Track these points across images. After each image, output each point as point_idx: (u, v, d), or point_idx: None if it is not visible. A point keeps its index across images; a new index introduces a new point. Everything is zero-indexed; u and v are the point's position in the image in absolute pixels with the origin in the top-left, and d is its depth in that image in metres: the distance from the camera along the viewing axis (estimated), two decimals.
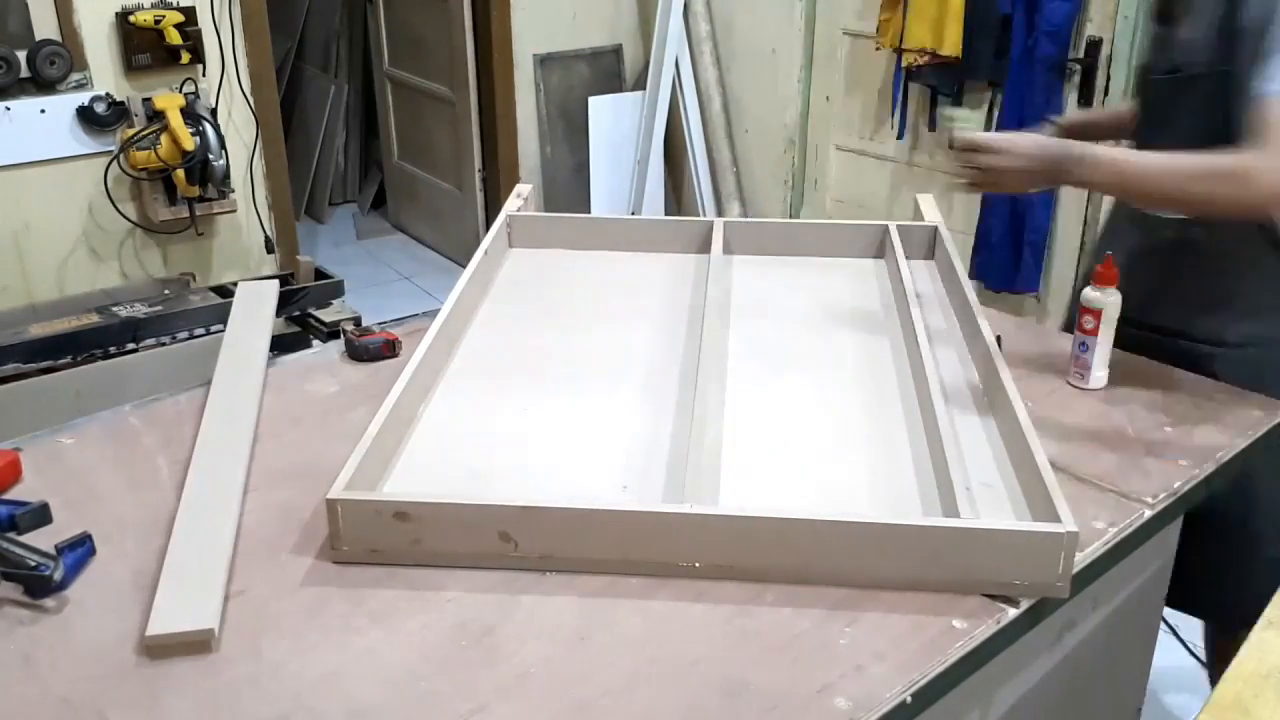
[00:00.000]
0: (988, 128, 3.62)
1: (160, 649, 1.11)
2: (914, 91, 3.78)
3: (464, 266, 1.90)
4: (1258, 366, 1.66)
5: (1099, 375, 1.63)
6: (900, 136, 3.88)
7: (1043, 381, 1.66)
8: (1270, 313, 1.67)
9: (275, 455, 1.47)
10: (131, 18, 3.25)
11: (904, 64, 3.67)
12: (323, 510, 1.24)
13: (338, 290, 3.26)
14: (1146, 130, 1.73)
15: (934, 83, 3.69)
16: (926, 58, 3.56)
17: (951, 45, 3.48)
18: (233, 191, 3.47)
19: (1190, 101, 1.62)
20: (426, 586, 1.21)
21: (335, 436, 1.49)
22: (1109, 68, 3.29)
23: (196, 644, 1.12)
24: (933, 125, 3.81)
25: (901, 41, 3.59)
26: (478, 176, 4.63)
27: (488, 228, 2.13)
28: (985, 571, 1.19)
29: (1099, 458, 1.46)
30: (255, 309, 1.87)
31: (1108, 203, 1.70)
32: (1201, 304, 1.70)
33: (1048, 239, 3.58)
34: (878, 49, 3.73)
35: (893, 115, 3.86)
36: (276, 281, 2.01)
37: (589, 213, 4.43)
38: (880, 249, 2.07)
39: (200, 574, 1.20)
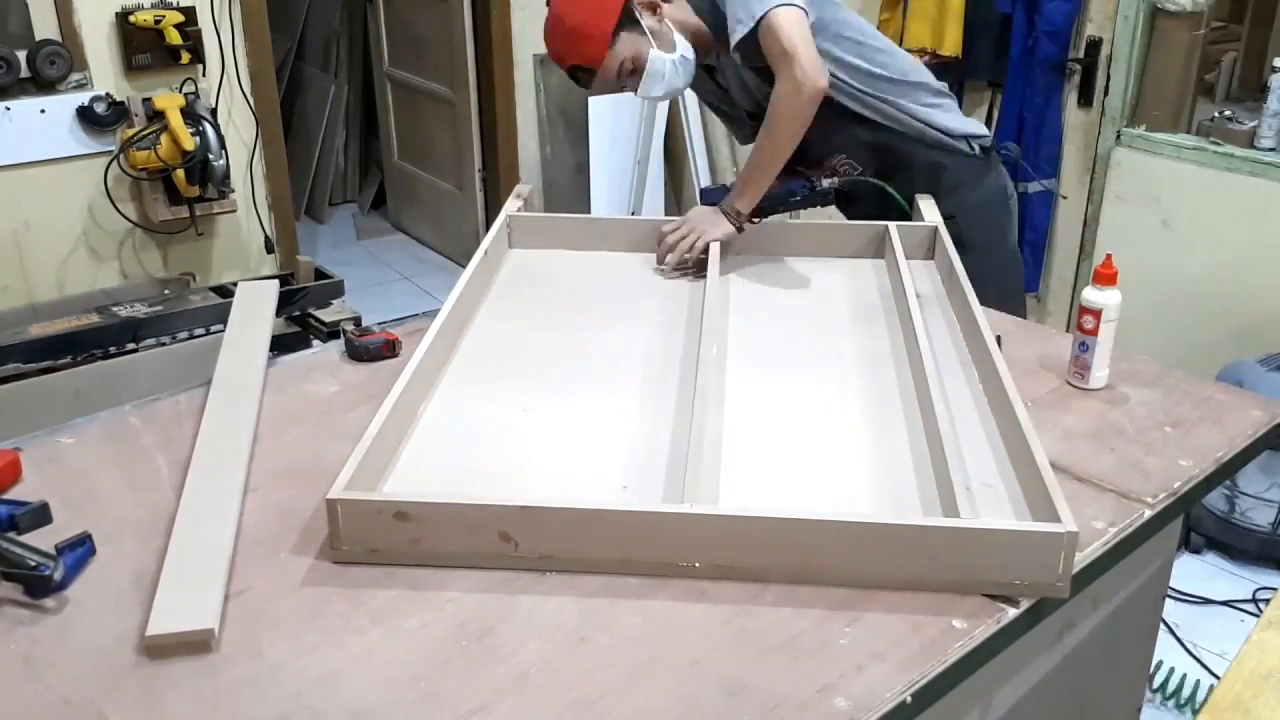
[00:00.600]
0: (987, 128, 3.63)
1: (160, 649, 1.11)
2: None
3: (464, 266, 1.90)
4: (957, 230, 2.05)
5: (1099, 375, 1.63)
6: None
7: (1043, 381, 1.66)
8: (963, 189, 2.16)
9: (275, 455, 1.47)
10: (131, 18, 3.25)
11: None
12: (323, 510, 1.24)
13: (338, 290, 3.26)
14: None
15: None
16: (926, 57, 3.56)
17: (951, 45, 3.49)
18: (233, 191, 3.47)
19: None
20: (426, 586, 1.21)
21: (335, 436, 1.49)
22: (1109, 68, 3.30)
23: (196, 644, 1.11)
24: None
25: (901, 41, 3.59)
26: (478, 176, 4.64)
27: (488, 228, 2.13)
28: (985, 571, 1.19)
29: (1099, 458, 1.46)
30: (255, 309, 1.87)
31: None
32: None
33: (1048, 239, 3.58)
34: None
35: None
36: (276, 281, 2.01)
37: (589, 213, 4.43)
38: (880, 249, 2.07)
39: (200, 574, 1.20)
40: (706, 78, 2.17)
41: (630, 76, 2.02)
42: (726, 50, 2.00)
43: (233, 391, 1.60)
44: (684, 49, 2.02)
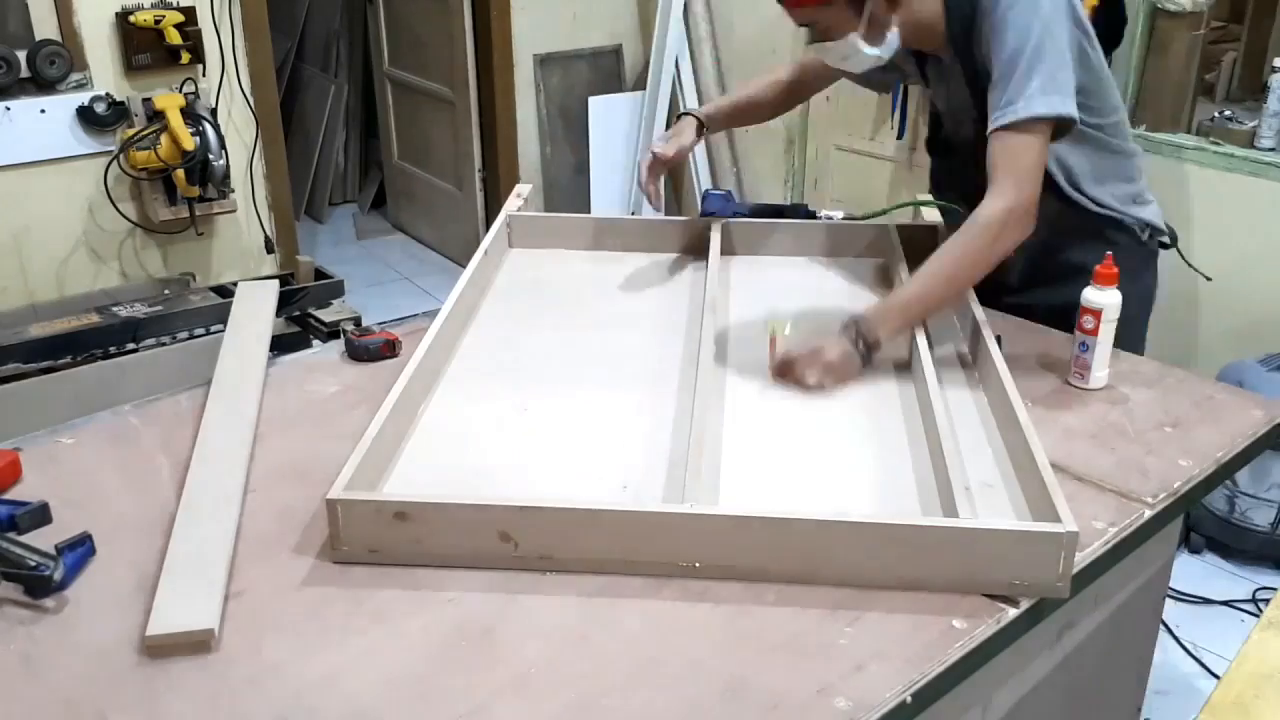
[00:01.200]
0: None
1: (160, 649, 1.11)
2: (914, 92, 3.78)
3: (464, 266, 1.90)
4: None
5: (1099, 375, 1.63)
6: (900, 136, 3.88)
7: (1043, 381, 1.66)
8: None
9: (275, 455, 1.47)
10: (131, 18, 3.25)
11: None
12: (323, 510, 1.24)
13: (338, 290, 3.26)
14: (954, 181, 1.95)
15: None
16: None
17: None
18: (233, 191, 3.47)
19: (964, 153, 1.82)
20: (426, 586, 1.21)
21: (335, 436, 1.49)
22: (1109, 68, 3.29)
23: (196, 644, 1.12)
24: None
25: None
26: (478, 176, 4.63)
27: (488, 228, 2.13)
28: (985, 571, 1.19)
29: (1099, 458, 1.46)
30: (255, 309, 1.87)
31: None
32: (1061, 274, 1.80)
33: None
34: None
35: (893, 115, 3.86)
36: (276, 281, 2.01)
37: (589, 213, 4.43)
38: (880, 249, 2.07)
39: (200, 574, 1.20)
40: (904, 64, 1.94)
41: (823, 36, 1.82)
42: (951, 52, 1.77)
43: (233, 391, 1.60)
44: (889, 48, 1.76)
